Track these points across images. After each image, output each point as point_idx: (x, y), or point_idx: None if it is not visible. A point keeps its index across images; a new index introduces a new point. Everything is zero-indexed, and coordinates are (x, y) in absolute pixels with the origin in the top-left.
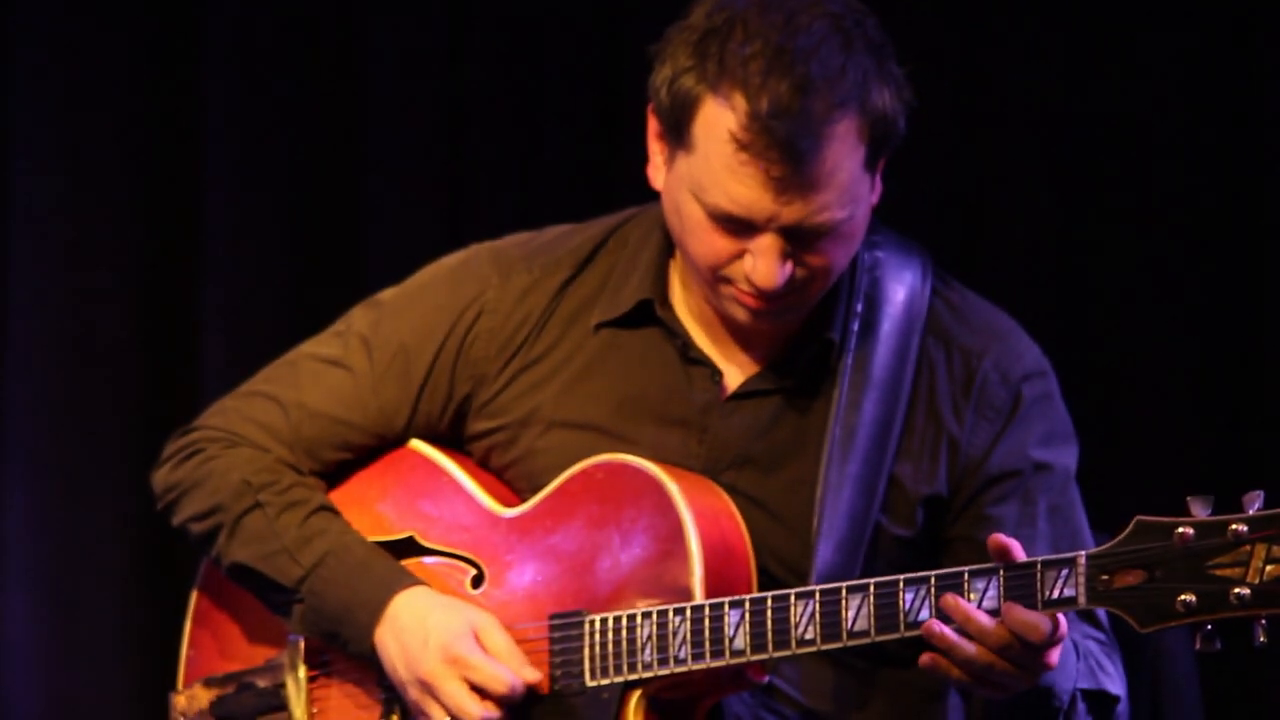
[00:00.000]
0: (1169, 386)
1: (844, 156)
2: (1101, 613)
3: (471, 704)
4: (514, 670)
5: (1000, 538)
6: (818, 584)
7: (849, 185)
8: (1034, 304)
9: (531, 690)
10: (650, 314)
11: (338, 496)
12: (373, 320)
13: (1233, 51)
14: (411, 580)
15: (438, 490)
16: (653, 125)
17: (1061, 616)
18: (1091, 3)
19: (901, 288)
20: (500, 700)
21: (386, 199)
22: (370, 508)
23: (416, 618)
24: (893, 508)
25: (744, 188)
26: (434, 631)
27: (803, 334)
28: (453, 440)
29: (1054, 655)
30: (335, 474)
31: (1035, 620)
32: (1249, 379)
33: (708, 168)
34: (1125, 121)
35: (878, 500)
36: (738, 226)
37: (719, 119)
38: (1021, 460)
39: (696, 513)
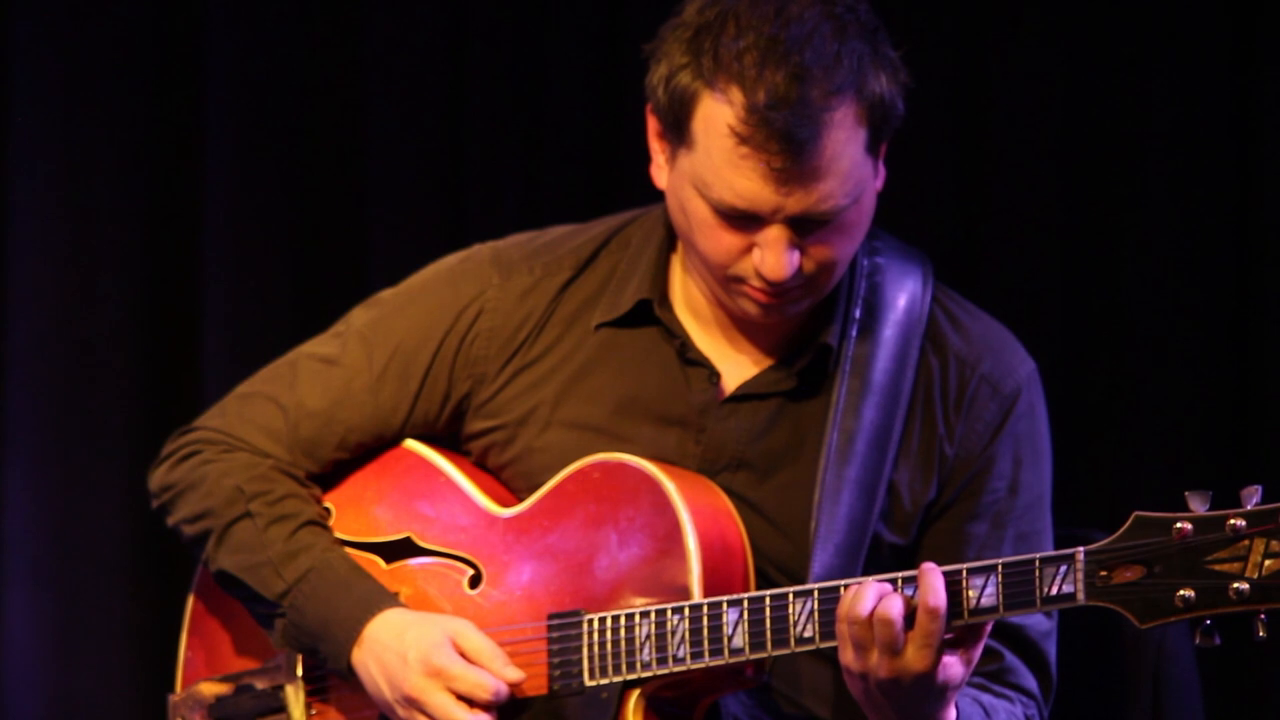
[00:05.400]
0: (1167, 382)
1: (844, 143)
2: (1051, 652)
3: (460, 713)
4: (496, 672)
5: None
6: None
7: (851, 172)
8: (1035, 301)
9: (529, 690)
10: (649, 314)
11: (335, 498)
12: (372, 319)
13: (1234, 52)
14: (390, 601)
15: (435, 491)
16: (652, 125)
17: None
18: (1094, 3)
19: (902, 294)
20: (487, 706)
21: (388, 199)
22: (368, 509)
23: (394, 634)
24: (890, 515)
25: (747, 181)
26: (412, 647)
27: (801, 338)
28: (450, 440)
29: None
30: (332, 475)
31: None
32: (1248, 374)
33: (710, 163)
34: (1124, 118)
35: (877, 505)
36: (744, 220)
37: (717, 114)
38: (1000, 479)
39: (694, 511)
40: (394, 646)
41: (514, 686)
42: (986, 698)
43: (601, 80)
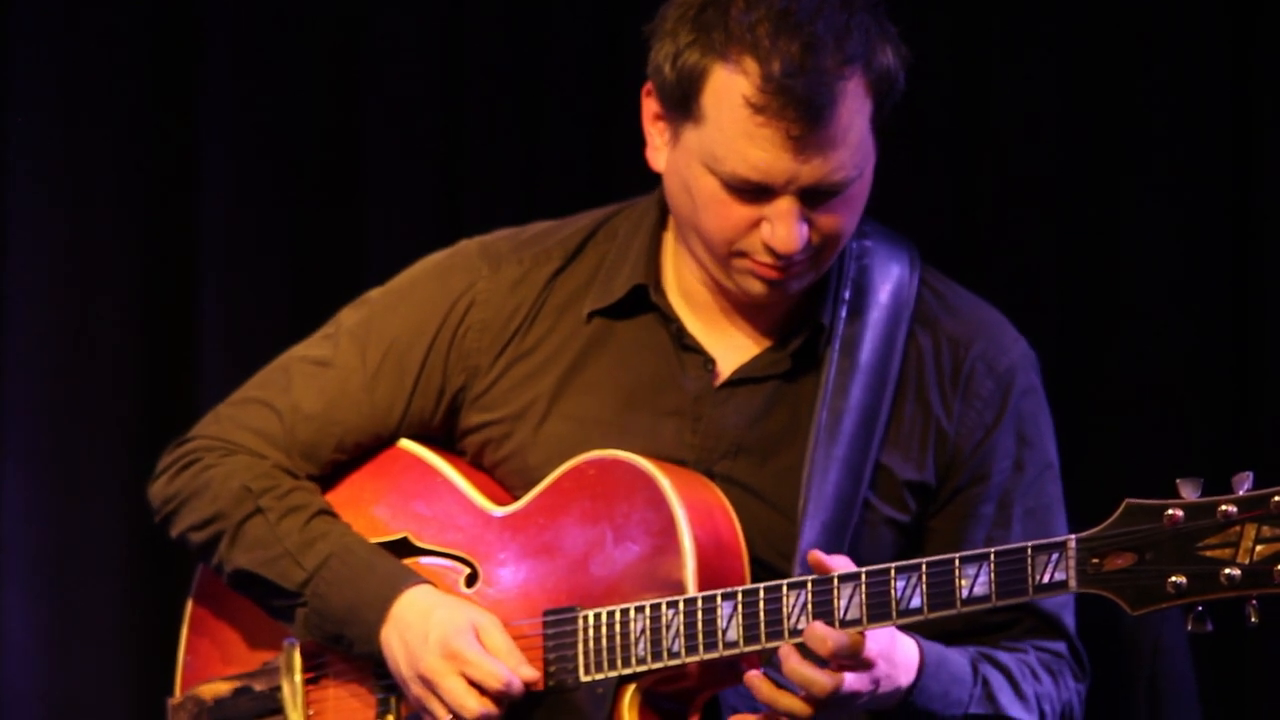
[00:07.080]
0: (1160, 369)
1: (855, 113)
2: (1070, 620)
3: (471, 700)
4: (511, 668)
5: (817, 555)
6: (802, 563)
7: (860, 143)
8: (1029, 288)
9: (528, 687)
10: (644, 300)
11: (332, 500)
12: (362, 319)
13: (1234, 48)
14: (415, 579)
15: (431, 490)
16: (650, 106)
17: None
18: (1091, 3)
19: (889, 277)
20: (497, 697)
21: (387, 200)
22: (365, 510)
23: (420, 615)
24: (885, 491)
25: (762, 151)
26: (435, 628)
27: (793, 320)
28: (445, 438)
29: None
30: (330, 477)
31: (813, 676)
32: (1240, 362)
33: (722, 136)
34: (1122, 107)
35: (864, 483)
36: (755, 193)
37: (731, 86)
38: (1005, 459)
39: (688, 507)
40: (418, 625)
41: (527, 686)
42: (987, 649)
43: (600, 81)
